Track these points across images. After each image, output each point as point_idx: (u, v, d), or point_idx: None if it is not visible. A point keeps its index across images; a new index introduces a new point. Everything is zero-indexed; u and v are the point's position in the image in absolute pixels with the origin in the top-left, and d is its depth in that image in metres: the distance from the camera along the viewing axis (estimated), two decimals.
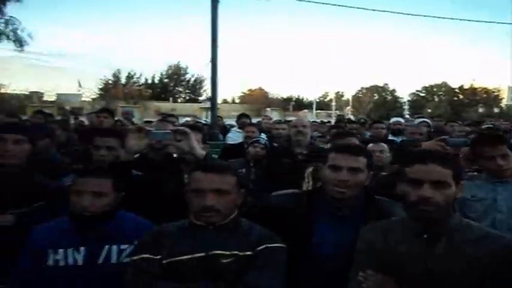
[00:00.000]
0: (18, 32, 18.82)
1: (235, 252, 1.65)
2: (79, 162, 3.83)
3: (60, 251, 1.82)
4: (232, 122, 10.77)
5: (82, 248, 1.84)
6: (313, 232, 1.88)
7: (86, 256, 1.83)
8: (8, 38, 18.62)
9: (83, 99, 38.00)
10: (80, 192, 1.86)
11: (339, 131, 4.35)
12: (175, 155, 3.19)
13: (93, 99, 37.91)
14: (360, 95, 52.33)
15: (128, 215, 1.99)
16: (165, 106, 34.10)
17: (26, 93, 35.30)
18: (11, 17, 18.54)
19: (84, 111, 17.11)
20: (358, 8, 22.91)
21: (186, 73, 55.00)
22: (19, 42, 18.99)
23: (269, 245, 1.69)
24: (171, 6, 74.42)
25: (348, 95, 52.20)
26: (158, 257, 1.64)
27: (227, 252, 1.64)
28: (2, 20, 18.27)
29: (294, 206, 1.97)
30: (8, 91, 32.48)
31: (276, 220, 1.85)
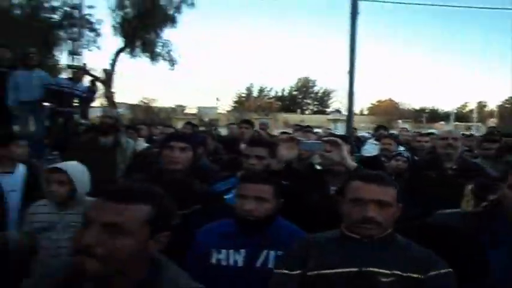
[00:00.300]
0: (171, 53, 21.66)
1: (397, 272, 1.52)
2: (226, 170, 4.13)
3: (223, 251, 1.93)
4: (363, 133, 10.47)
5: (242, 250, 1.92)
6: (486, 255, 1.69)
7: (246, 258, 1.91)
8: (163, 58, 21.52)
9: (219, 111, 41.10)
10: (244, 197, 1.94)
11: (507, 145, 3.85)
12: (317, 166, 3.21)
13: (228, 112, 40.73)
14: (507, 105, 46.28)
15: (284, 222, 2.04)
16: (294, 118, 34.82)
17: (172, 106, 39.72)
18: (167, 40, 21.40)
19: (220, 123, 18.50)
20: (500, 8, 20.16)
21: (315, 85, 55.65)
22: (172, 62, 21.83)
23: (442, 271, 1.54)
24: (303, 23, 76.08)
25: (492, 105, 46.68)
26: (296, 272, 1.59)
27: (387, 271, 1.52)
28: (160, 43, 21.18)
29: (461, 226, 1.80)
30: (157, 105, 37.00)
31: (438, 240, 1.71)
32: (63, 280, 1.12)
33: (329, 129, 12.39)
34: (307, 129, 4.85)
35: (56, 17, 18.62)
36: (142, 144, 5.79)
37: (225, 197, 2.62)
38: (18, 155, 3.34)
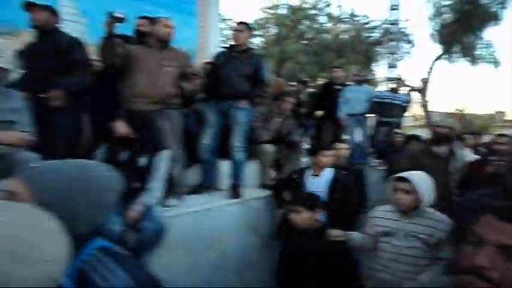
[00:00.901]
0: (495, 53, 19.57)
1: None
2: None
3: None
4: None
5: None
6: None
7: None
8: (484, 60, 19.68)
9: None
10: None
11: None
12: None
13: None
14: None
15: None
16: None
17: (492, 113, 35.62)
18: (489, 41, 19.54)
19: None
20: None
21: None
22: (495, 64, 19.69)
23: None
24: None
25: None
26: None
27: None
28: (481, 45, 19.49)
29: None
30: (472, 112, 33.87)
31: None
32: None
33: None
34: None
35: (376, 35, 20.03)
36: (469, 154, 5.39)
37: None
38: (324, 163, 3.93)
